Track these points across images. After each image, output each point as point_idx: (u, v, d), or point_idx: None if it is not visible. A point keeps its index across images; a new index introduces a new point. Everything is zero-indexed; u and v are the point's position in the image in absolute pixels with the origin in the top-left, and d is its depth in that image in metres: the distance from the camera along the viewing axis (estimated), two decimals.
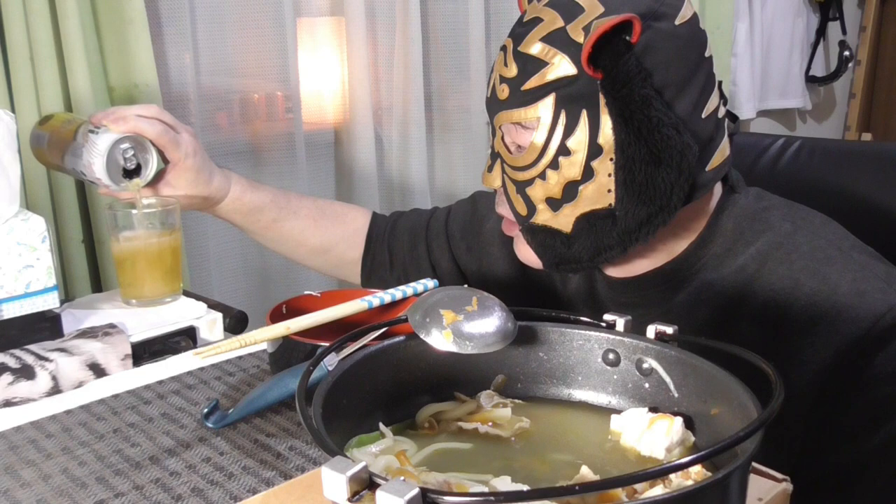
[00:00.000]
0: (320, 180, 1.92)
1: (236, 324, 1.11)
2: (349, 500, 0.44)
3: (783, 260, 0.85)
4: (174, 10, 1.58)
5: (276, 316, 0.90)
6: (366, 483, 0.44)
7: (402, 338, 0.67)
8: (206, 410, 0.77)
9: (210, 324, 1.07)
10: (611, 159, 0.82)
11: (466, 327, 0.65)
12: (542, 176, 0.85)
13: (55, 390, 0.89)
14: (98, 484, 0.70)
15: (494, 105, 0.88)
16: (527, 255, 0.92)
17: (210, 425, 0.77)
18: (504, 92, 0.85)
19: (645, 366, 0.66)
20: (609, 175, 0.82)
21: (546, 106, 0.83)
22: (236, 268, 1.81)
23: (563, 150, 0.83)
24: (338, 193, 1.96)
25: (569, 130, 0.82)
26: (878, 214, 1.11)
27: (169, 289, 1.09)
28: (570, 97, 0.82)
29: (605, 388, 0.69)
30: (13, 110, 1.30)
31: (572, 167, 0.83)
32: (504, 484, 0.55)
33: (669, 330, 0.66)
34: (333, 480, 0.44)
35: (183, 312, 1.06)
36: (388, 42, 1.90)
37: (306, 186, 1.84)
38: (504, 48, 0.87)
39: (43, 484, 0.70)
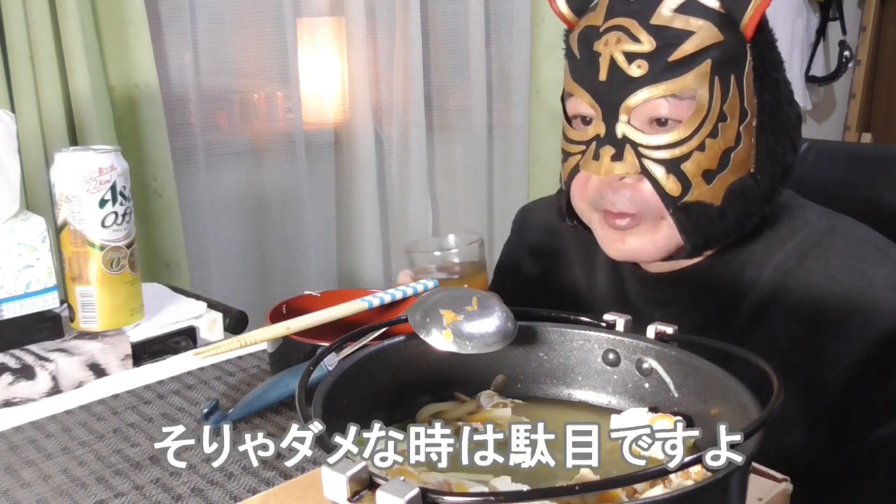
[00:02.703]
0: (320, 180, 1.92)
1: (236, 324, 1.11)
2: (349, 500, 0.44)
3: (820, 258, 0.85)
4: (174, 10, 1.58)
5: (276, 316, 0.90)
6: (366, 483, 0.44)
7: (402, 338, 0.67)
8: (206, 410, 0.77)
9: (210, 324, 1.07)
10: (753, 123, 0.84)
11: (466, 327, 0.65)
12: (702, 147, 0.83)
13: (55, 390, 0.89)
14: (98, 484, 0.70)
15: (621, 87, 0.83)
16: (638, 245, 0.88)
17: (210, 425, 0.77)
18: (641, 68, 0.82)
19: (645, 366, 0.66)
20: (752, 140, 0.84)
21: (702, 73, 0.82)
22: (236, 268, 1.81)
23: (722, 117, 0.83)
24: (338, 193, 1.96)
25: (724, 96, 0.82)
26: (886, 218, 1.10)
27: None
28: (722, 62, 0.82)
29: (605, 388, 0.68)
30: (13, 110, 1.30)
31: (728, 132, 0.83)
32: (504, 484, 0.55)
33: (669, 330, 0.65)
34: (333, 480, 0.44)
35: (183, 312, 1.06)
36: (388, 42, 1.90)
37: (306, 186, 1.84)
38: (619, 28, 0.83)
39: (43, 484, 0.70)
